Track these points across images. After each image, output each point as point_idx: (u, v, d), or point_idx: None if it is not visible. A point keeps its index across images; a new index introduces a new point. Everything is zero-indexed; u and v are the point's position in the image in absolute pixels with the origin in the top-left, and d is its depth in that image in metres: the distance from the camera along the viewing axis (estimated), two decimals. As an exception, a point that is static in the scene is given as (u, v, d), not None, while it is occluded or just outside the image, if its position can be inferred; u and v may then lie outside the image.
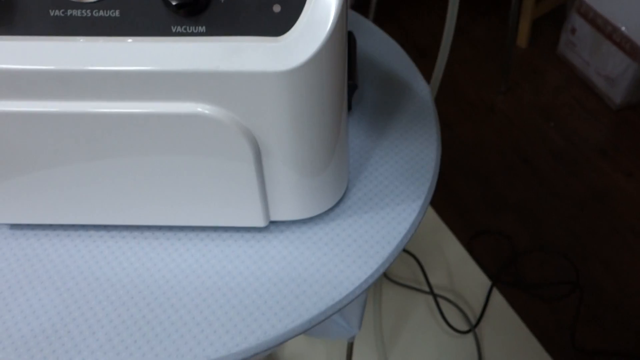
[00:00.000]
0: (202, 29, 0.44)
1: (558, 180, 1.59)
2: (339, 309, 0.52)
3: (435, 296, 1.33)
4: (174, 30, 0.44)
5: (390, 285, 1.37)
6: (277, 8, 0.44)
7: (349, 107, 0.65)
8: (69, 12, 0.44)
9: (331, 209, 0.57)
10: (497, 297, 1.35)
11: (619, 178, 1.59)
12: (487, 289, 1.36)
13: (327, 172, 0.53)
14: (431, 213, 1.51)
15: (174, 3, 0.43)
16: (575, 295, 1.34)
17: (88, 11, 0.44)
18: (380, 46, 0.74)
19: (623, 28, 1.66)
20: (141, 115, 0.46)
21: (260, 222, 0.54)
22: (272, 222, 0.55)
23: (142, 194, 0.52)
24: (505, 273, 1.39)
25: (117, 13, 0.44)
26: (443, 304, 1.33)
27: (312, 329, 0.86)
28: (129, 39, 0.44)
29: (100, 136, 0.47)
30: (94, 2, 0.44)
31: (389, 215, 0.57)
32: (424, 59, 1.88)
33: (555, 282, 1.37)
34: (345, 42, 0.47)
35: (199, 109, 0.46)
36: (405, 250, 1.41)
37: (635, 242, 1.45)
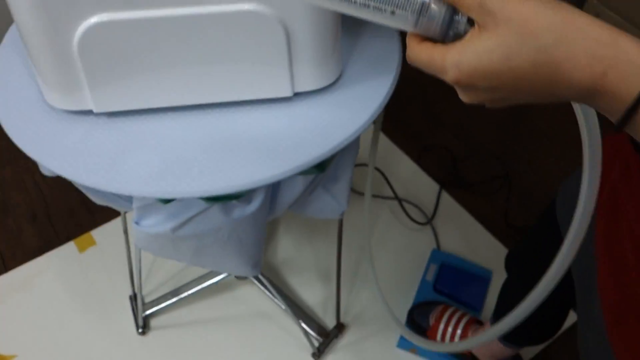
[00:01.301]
0: (250, -48, 0.68)
1: (484, 102, 1.90)
2: (349, 143, 0.78)
3: (399, 200, 1.61)
4: (232, -46, 0.68)
5: (359, 198, 1.64)
6: None
7: (333, 19, 0.90)
8: (161, -53, 0.67)
9: (333, 83, 0.82)
10: (446, 197, 1.65)
11: (532, 96, 1.91)
12: (437, 192, 1.65)
13: (332, 52, 0.78)
14: (385, 140, 1.78)
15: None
16: (505, 188, 1.66)
17: (173, -54, 0.67)
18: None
19: None
20: (214, 14, 0.69)
21: (289, 93, 0.79)
22: (296, 94, 0.80)
23: (205, 78, 0.76)
24: (449, 177, 1.69)
25: (193, -54, 0.67)
26: (404, 206, 1.61)
27: (308, 209, 1.10)
28: (203, -37, 0.67)
29: (184, 33, 0.70)
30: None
31: (373, 84, 0.83)
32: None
33: (490, 179, 1.68)
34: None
35: (248, 7, 0.69)
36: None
37: (548, 144, 1.78)
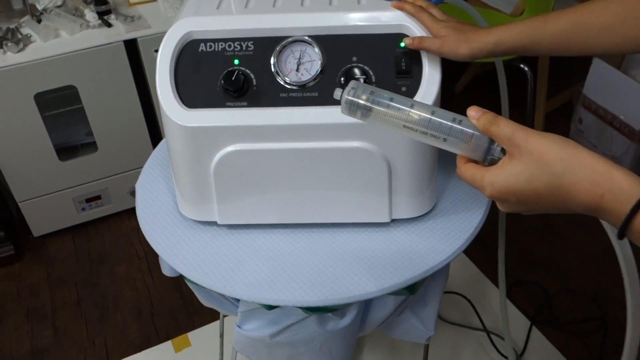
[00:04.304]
0: (363, 100, 0.80)
1: (577, 239, 1.89)
2: (439, 269, 0.84)
3: (488, 332, 1.60)
4: (348, 101, 0.81)
5: (447, 326, 1.64)
6: (404, 88, 0.80)
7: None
8: (290, 94, 0.81)
9: (429, 212, 0.91)
10: (537, 333, 1.62)
11: (631, 238, 1.88)
12: (528, 327, 1.62)
13: (428, 186, 0.87)
14: (475, 269, 1.81)
15: (348, 87, 0.80)
16: (601, 330, 1.60)
17: (300, 93, 0.81)
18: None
19: (622, 117, 2.03)
20: (329, 148, 0.81)
21: (387, 219, 0.88)
22: (393, 220, 0.89)
23: (315, 201, 0.87)
24: (541, 314, 1.67)
25: (316, 93, 0.81)
26: (492, 339, 1.59)
27: (396, 331, 1.14)
28: (323, 107, 0.81)
29: (301, 163, 0.83)
30: (304, 88, 0.81)
31: (464, 217, 0.91)
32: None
33: (584, 319, 1.63)
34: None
35: (358, 144, 0.81)
36: (460, 295, 1.71)
37: (649, 288, 1.72)
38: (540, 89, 2.28)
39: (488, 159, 0.57)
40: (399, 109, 0.59)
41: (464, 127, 0.57)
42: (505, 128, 0.54)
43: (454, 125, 0.57)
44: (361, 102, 0.60)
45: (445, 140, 0.58)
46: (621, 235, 0.49)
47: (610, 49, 0.74)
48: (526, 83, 2.15)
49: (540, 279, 1.77)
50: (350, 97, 0.61)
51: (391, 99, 0.60)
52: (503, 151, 0.55)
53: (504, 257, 1.21)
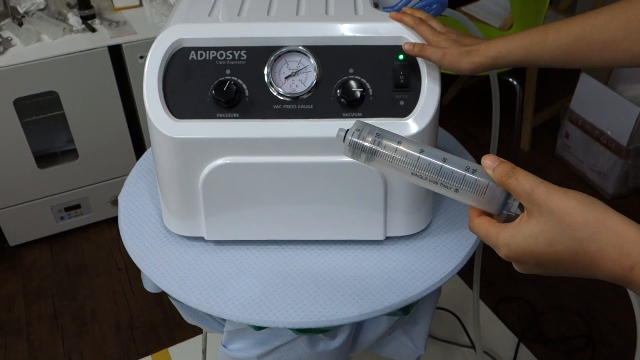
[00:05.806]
0: (360, 114, 0.78)
1: (566, 256, 1.88)
2: (434, 290, 0.81)
3: (476, 349, 1.57)
4: (344, 115, 0.78)
5: (434, 342, 1.61)
6: (402, 102, 0.78)
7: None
8: (284, 106, 0.78)
9: (424, 230, 0.88)
10: (524, 350, 1.59)
11: (617, 254, 1.87)
12: (515, 344, 1.60)
13: (424, 203, 0.84)
14: (462, 285, 1.78)
15: (344, 101, 0.77)
16: (589, 348, 1.59)
17: (295, 105, 0.78)
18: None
19: (609, 132, 2.03)
20: (323, 163, 0.78)
21: (381, 236, 0.85)
22: (387, 238, 0.86)
23: (308, 218, 0.83)
24: (529, 331, 1.64)
25: (311, 106, 0.78)
26: (479, 356, 1.57)
27: (385, 349, 1.11)
28: (318, 120, 0.78)
29: (294, 178, 0.79)
30: (298, 100, 0.78)
31: (460, 235, 0.88)
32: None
33: (572, 337, 1.62)
34: (437, 124, 0.80)
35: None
36: (448, 311, 1.68)
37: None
38: (527, 102, 2.28)
39: (504, 214, 0.52)
40: (407, 154, 0.54)
41: (479, 177, 0.52)
42: (524, 182, 0.49)
43: (467, 174, 0.52)
44: (366, 144, 0.55)
45: (457, 190, 0.53)
46: None
47: (613, 63, 0.72)
48: (513, 96, 2.15)
49: (528, 296, 1.75)
50: (354, 139, 0.56)
51: (399, 142, 0.55)
52: (521, 207, 0.50)
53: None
